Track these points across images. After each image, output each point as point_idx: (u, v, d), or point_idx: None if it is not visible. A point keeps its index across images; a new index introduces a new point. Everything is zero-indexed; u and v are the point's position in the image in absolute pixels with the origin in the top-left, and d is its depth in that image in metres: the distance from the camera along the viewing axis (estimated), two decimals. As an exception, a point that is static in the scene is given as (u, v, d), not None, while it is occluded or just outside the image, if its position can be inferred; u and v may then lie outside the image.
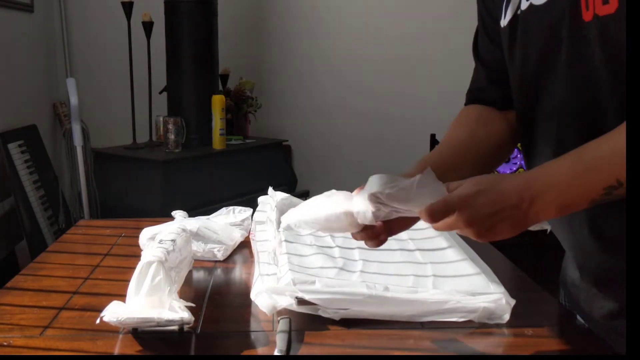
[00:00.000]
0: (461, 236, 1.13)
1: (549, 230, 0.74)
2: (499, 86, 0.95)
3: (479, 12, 0.98)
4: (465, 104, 1.02)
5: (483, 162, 0.94)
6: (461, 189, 0.71)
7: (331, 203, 0.77)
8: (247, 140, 3.14)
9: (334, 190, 0.79)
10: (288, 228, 0.87)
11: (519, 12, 0.83)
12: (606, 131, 0.70)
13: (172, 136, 2.76)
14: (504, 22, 0.87)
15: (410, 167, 0.87)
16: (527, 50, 0.83)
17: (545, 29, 0.79)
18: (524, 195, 0.69)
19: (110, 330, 0.81)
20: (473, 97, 1.01)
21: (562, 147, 0.76)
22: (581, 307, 0.91)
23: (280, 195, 1.26)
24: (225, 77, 3.21)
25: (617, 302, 0.83)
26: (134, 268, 0.84)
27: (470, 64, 1.06)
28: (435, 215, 0.70)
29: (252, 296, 0.92)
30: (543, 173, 0.71)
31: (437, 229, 0.73)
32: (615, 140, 0.67)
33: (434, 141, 2.99)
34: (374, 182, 0.74)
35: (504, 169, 2.61)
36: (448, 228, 0.72)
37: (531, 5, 0.81)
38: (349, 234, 1.12)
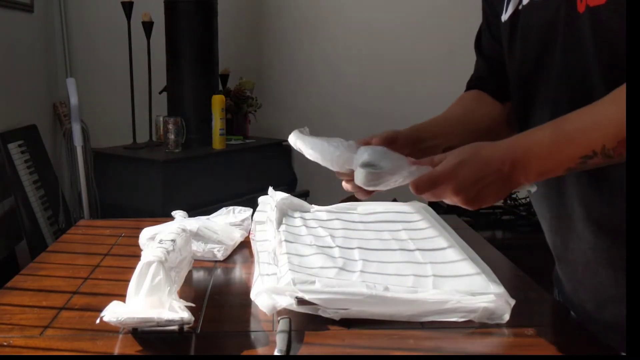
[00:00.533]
0: (461, 236, 1.13)
1: (534, 190, 0.79)
2: (498, 79, 0.99)
3: (483, 9, 1.01)
4: (465, 91, 1.06)
5: (474, 137, 0.96)
6: (445, 162, 0.76)
7: (336, 146, 0.86)
8: (247, 140, 3.14)
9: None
10: (292, 140, 0.95)
11: (520, 7, 0.86)
12: None
13: (172, 136, 2.76)
14: (504, 17, 0.89)
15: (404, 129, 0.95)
16: (526, 44, 0.85)
17: (543, 23, 0.82)
18: (505, 160, 0.74)
19: (110, 330, 0.81)
20: (473, 85, 1.05)
21: None
22: (571, 300, 0.92)
23: (280, 195, 1.26)
24: (225, 77, 3.21)
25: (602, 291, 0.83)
26: (134, 268, 0.84)
27: (471, 63, 1.07)
28: (421, 188, 0.76)
29: (252, 296, 0.92)
30: (524, 140, 0.75)
31: (427, 198, 0.78)
32: (595, 112, 0.71)
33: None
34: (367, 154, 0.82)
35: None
36: (435, 198, 0.77)
37: (531, 1, 0.83)
38: (348, 234, 1.12)
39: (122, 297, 0.83)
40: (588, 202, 0.81)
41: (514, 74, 0.91)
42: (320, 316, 0.85)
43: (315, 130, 0.87)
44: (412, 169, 0.78)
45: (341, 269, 0.95)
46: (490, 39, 1.00)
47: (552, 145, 0.73)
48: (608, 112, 0.70)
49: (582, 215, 0.82)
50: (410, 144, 0.93)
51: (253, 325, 0.87)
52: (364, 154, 0.83)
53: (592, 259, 0.83)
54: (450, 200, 0.76)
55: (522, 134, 0.77)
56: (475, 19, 1.05)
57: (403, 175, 0.79)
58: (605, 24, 0.72)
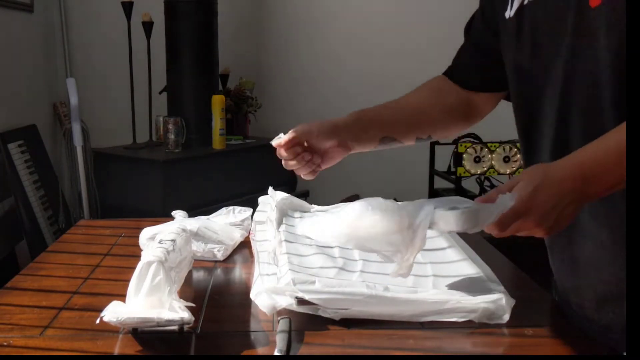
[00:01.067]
0: (460, 236, 1.13)
1: None
2: (476, 66, 1.02)
3: (481, 2, 1.01)
4: (443, 73, 1.09)
5: (419, 127, 1.05)
6: (520, 194, 0.73)
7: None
8: (247, 140, 3.14)
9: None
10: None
11: (525, 2, 0.86)
12: (606, 118, 0.74)
13: (172, 136, 2.76)
14: (510, 13, 0.88)
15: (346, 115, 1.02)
16: (534, 40, 0.85)
17: (551, 18, 0.81)
18: (576, 177, 0.72)
19: (110, 330, 0.81)
20: (449, 71, 1.07)
21: (563, 131, 0.80)
22: (569, 300, 0.92)
23: (280, 195, 1.26)
24: (225, 77, 3.21)
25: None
26: (134, 268, 0.84)
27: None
28: (505, 225, 0.74)
29: (252, 296, 0.92)
30: (589, 153, 0.74)
31: (505, 235, 0.76)
32: None
33: (433, 141, 2.99)
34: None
35: (504, 169, 2.61)
36: (515, 232, 0.75)
37: None
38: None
39: (122, 297, 0.83)
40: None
41: (521, 66, 0.90)
42: (320, 316, 0.85)
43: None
44: (490, 206, 0.76)
45: (341, 269, 0.95)
46: (483, 26, 1.00)
47: (621, 155, 0.70)
48: None
49: (587, 211, 0.81)
50: (349, 133, 1.00)
51: (253, 325, 0.87)
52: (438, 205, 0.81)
53: (597, 256, 0.83)
54: (529, 232, 0.75)
55: (582, 148, 0.74)
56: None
57: (487, 212, 0.76)
58: (619, 19, 0.71)
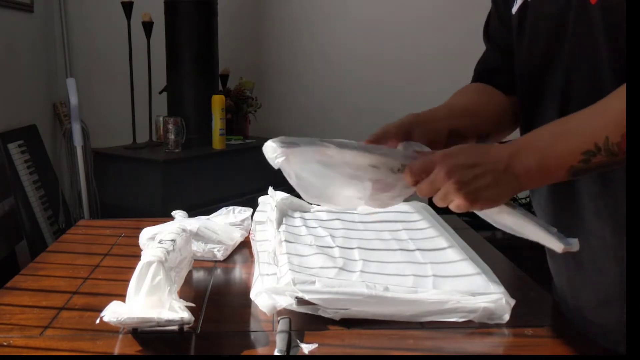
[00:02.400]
0: (461, 236, 1.13)
1: (575, 248, 0.74)
2: (506, 70, 0.96)
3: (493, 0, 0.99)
4: (472, 82, 1.03)
5: (481, 126, 0.96)
6: (444, 149, 0.73)
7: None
8: (247, 140, 3.14)
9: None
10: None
11: None
12: None
13: (172, 136, 2.76)
14: (514, 9, 0.88)
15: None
16: (535, 36, 0.85)
17: (553, 15, 0.81)
18: (504, 151, 0.71)
19: (110, 330, 0.81)
20: (479, 77, 1.02)
21: None
22: (567, 302, 0.91)
23: (280, 195, 1.26)
24: (225, 77, 3.21)
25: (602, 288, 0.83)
26: (134, 268, 0.84)
27: (472, 62, 1.07)
28: (416, 173, 0.73)
29: (252, 296, 0.92)
30: (525, 136, 0.74)
31: (420, 191, 0.74)
32: (598, 105, 0.69)
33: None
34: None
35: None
36: (430, 186, 0.72)
37: None
38: (348, 234, 1.12)
39: (122, 297, 0.83)
40: (598, 198, 0.80)
41: (522, 66, 0.90)
42: (320, 316, 0.85)
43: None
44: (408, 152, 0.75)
45: (341, 269, 0.95)
46: (500, 27, 0.97)
47: (551, 138, 0.71)
48: (612, 105, 0.68)
49: (592, 210, 0.81)
50: (420, 127, 0.90)
51: (253, 325, 0.87)
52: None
53: (600, 256, 0.82)
54: (444, 188, 0.71)
55: (526, 134, 0.75)
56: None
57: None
58: (618, 17, 0.71)
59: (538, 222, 0.75)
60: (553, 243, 0.74)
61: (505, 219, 0.76)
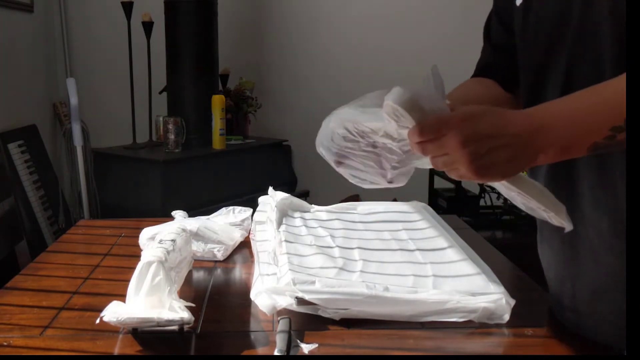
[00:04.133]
0: (461, 236, 1.13)
1: (569, 228, 0.71)
2: (505, 67, 0.96)
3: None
4: (472, 77, 1.02)
5: None
6: (464, 108, 0.66)
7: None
8: (247, 140, 3.14)
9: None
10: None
11: None
12: None
13: (172, 136, 2.76)
14: (518, 1, 0.87)
15: None
16: (539, 28, 0.85)
17: (557, 6, 0.80)
18: (525, 125, 0.65)
19: (110, 330, 0.81)
20: (479, 72, 1.02)
21: None
22: (561, 295, 0.91)
23: (280, 195, 1.26)
24: (225, 77, 3.21)
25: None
26: (134, 268, 0.84)
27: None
28: (425, 133, 0.65)
29: (252, 296, 0.92)
30: (550, 106, 0.68)
31: (423, 150, 0.67)
32: (622, 79, 0.65)
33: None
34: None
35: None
36: (437, 150, 0.65)
37: None
38: (348, 234, 1.12)
39: (122, 297, 0.83)
40: (597, 188, 0.80)
41: (525, 57, 0.89)
42: (320, 316, 0.85)
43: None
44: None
45: (341, 269, 0.95)
46: (500, 28, 0.98)
47: (577, 112, 0.65)
48: None
49: (591, 200, 0.81)
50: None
51: (253, 325, 0.87)
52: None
53: (596, 246, 0.82)
54: (452, 155, 0.65)
55: (548, 102, 0.69)
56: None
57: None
58: (623, 2, 0.70)
59: (544, 193, 0.70)
60: (557, 218, 0.69)
61: (510, 189, 0.71)
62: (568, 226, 0.70)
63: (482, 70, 1.02)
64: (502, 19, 0.97)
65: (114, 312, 0.79)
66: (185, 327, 0.81)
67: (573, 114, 0.66)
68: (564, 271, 0.89)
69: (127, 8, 2.85)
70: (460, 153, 0.64)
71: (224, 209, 1.28)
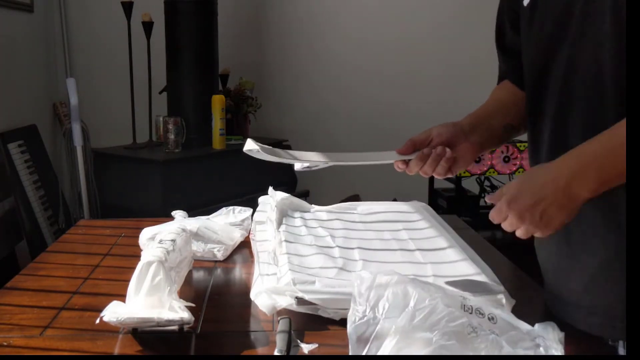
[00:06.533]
0: (461, 236, 1.13)
1: None
2: (519, 69, 0.99)
3: (501, 7, 1.01)
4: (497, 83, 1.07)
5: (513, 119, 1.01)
6: (505, 189, 0.79)
7: None
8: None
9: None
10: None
11: None
12: (606, 115, 0.76)
13: (172, 136, 2.76)
14: (526, 1, 0.89)
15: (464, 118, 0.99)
16: (544, 20, 0.86)
17: (560, 5, 0.83)
18: (559, 176, 0.75)
19: (110, 330, 0.81)
20: (500, 80, 1.07)
21: (564, 116, 0.82)
22: (557, 286, 0.92)
23: (280, 195, 1.26)
24: (225, 77, 3.21)
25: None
26: (134, 268, 0.84)
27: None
28: (496, 220, 0.80)
29: (252, 296, 0.92)
30: (576, 152, 0.76)
31: (505, 227, 0.80)
32: None
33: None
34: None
35: (504, 169, 2.61)
36: (511, 228, 0.79)
37: None
38: (348, 234, 1.12)
39: (122, 297, 0.83)
40: None
41: (530, 57, 0.92)
42: (320, 316, 0.85)
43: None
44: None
45: (341, 269, 0.95)
46: (510, 31, 1.00)
47: (606, 148, 0.73)
48: None
49: None
50: (475, 126, 0.97)
51: (253, 325, 0.87)
52: None
53: (590, 238, 0.84)
54: (522, 229, 0.78)
55: (570, 151, 0.77)
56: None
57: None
58: (622, 5, 0.73)
59: None
60: None
61: None
62: None
63: (501, 77, 1.06)
64: (512, 22, 0.99)
65: (113, 312, 0.79)
66: (185, 327, 0.81)
67: (599, 155, 0.74)
68: (559, 264, 0.90)
69: (127, 8, 2.85)
70: (525, 226, 0.78)
71: (224, 209, 1.28)
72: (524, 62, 0.94)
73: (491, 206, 0.82)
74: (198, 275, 1.08)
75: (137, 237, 1.14)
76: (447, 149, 0.94)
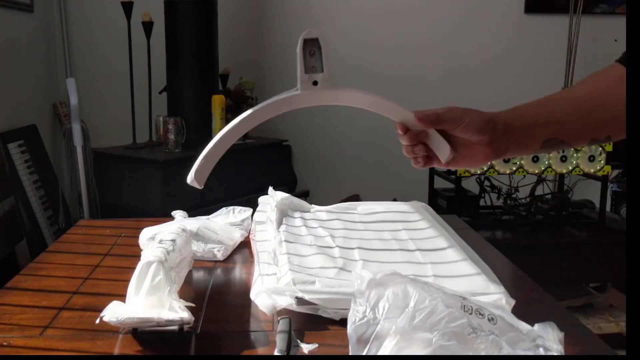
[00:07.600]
0: (461, 236, 1.13)
1: None
2: None
3: None
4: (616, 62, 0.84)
5: (597, 125, 0.81)
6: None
7: None
8: (247, 140, 3.14)
9: None
10: None
11: None
12: None
13: (172, 136, 2.76)
14: None
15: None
16: None
17: None
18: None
19: (110, 330, 0.81)
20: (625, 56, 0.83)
21: None
22: None
23: (280, 195, 1.26)
24: (225, 77, 3.21)
25: None
26: (134, 268, 0.84)
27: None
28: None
29: (252, 296, 0.92)
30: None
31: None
32: None
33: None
34: None
35: (504, 168, 2.60)
36: None
37: None
38: (348, 234, 1.12)
39: (122, 297, 0.83)
40: None
41: None
42: (320, 316, 0.85)
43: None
44: None
45: (341, 269, 0.95)
46: None
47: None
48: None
49: None
50: (507, 131, 0.80)
51: (253, 325, 0.87)
52: None
53: None
54: None
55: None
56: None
57: None
58: None
59: None
60: None
61: None
62: None
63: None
64: None
65: (113, 312, 0.78)
66: (185, 327, 0.81)
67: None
68: None
69: (127, 8, 2.85)
70: None
71: (224, 209, 1.28)
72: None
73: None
74: (198, 275, 1.08)
75: (137, 237, 1.14)
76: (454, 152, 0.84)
